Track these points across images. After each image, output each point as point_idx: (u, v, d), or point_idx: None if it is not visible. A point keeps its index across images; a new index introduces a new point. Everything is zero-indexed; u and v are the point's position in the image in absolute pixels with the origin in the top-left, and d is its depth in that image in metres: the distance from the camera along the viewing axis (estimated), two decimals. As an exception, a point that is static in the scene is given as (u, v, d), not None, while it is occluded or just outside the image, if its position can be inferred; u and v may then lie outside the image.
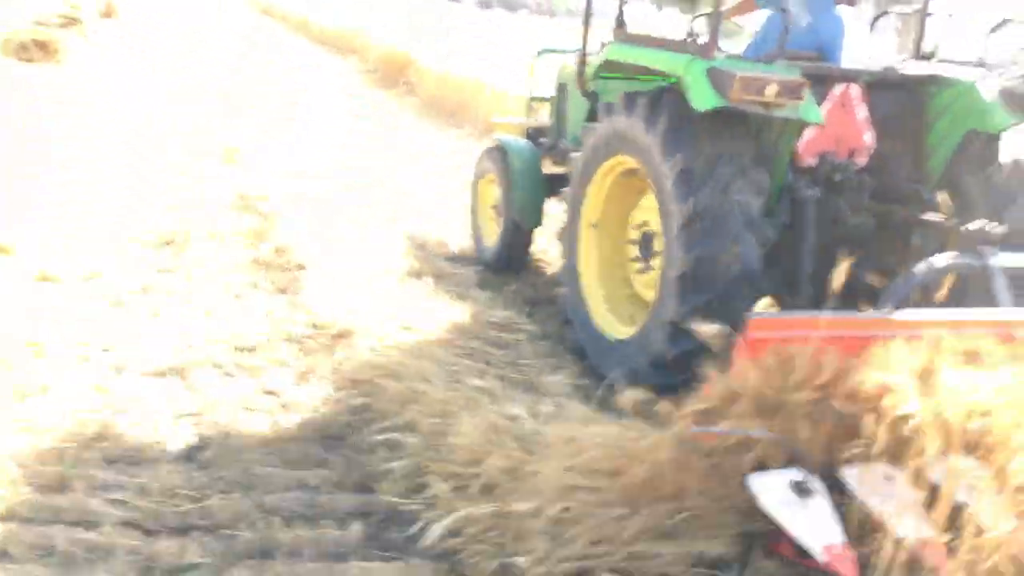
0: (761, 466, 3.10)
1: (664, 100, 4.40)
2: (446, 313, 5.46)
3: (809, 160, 4.70)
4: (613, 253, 5.16)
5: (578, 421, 3.69)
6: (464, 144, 11.11)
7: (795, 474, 3.02)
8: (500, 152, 6.48)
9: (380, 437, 3.93)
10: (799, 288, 4.44)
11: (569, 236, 5.24)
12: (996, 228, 4.08)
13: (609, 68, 5.15)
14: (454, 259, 6.88)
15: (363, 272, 5.93)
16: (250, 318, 5.23)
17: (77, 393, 4.19)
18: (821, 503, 2.96)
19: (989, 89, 4.61)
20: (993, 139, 4.65)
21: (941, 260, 4.01)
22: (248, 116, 11.62)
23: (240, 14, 28.98)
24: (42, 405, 4.03)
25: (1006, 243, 4.15)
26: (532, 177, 6.26)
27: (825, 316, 3.28)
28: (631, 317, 4.92)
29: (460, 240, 7.29)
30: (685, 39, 4.73)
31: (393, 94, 15.34)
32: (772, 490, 2.99)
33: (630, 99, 4.60)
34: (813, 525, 2.89)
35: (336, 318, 5.09)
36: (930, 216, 4.51)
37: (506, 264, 6.59)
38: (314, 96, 13.63)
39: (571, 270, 5.22)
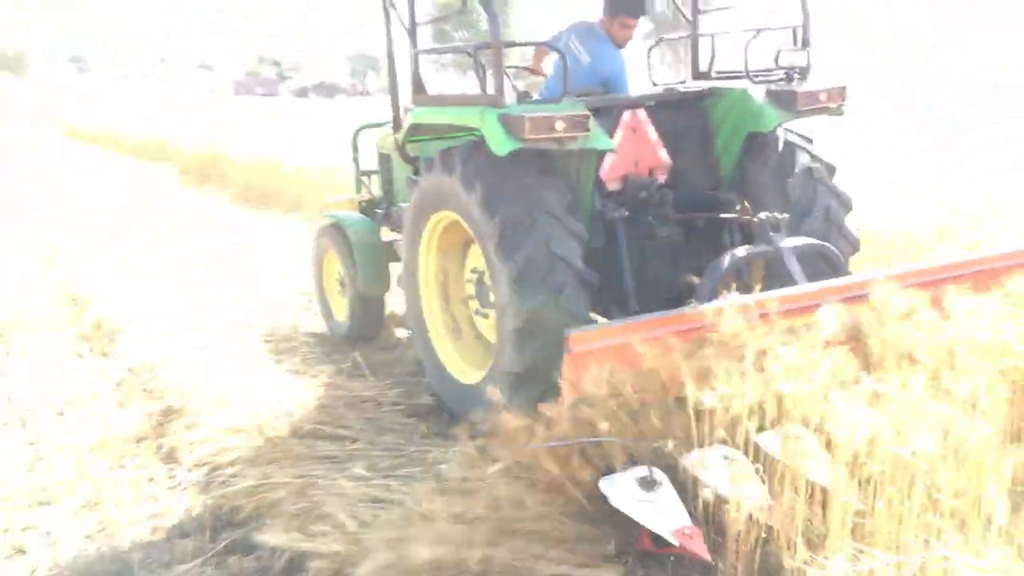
0: (609, 469, 3.26)
1: (475, 156, 4.49)
2: (246, 336, 6.62)
3: (614, 184, 4.99)
4: (454, 298, 5.22)
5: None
6: (274, 221, 12.24)
7: (640, 470, 3.19)
8: (336, 228, 6.55)
9: (187, 433, 4.89)
10: (627, 304, 4.68)
11: (409, 288, 5.28)
12: (782, 216, 4.45)
13: (417, 131, 5.26)
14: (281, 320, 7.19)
15: (177, 329, 6.79)
16: (76, 374, 6.21)
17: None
18: (667, 492, 3.13)
19: (758, 94, 5.04)
20: (771, 137, 5.07)
21: (740, 251, 4.35)
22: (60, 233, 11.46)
23: (47, 139, 28.11)
24: None
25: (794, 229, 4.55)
26: (371, 246, 6.33)
27: (639, 320, 3.49)
28: (478, 361, 5.01)
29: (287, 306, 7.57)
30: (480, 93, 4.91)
31: (207, 189, 16.07)
32: (621, 488, 3.15)
33: (446, 156, 4.66)
34: (661, 513, 3.05)
35: (146, 360, 6.06)
36: (728, 215, 4.87)
37: (360, 334, 6.60)
38: (124, 205, 13.66)
39: (416, 320, 5.26)
